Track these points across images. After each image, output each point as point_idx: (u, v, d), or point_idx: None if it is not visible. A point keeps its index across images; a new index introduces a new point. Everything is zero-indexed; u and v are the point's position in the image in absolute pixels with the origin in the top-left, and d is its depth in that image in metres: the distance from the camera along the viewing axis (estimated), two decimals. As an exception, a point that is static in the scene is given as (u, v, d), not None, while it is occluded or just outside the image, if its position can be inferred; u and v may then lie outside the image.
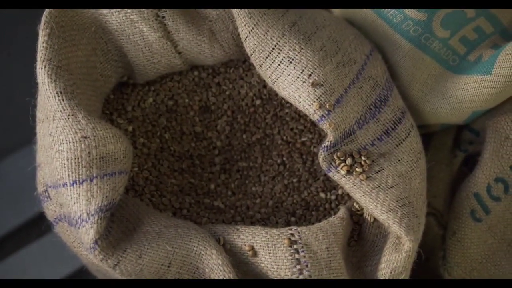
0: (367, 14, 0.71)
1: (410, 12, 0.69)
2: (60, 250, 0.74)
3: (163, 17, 0.70)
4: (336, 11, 0.74)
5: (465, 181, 0.73)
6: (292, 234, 0.65)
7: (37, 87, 0.66)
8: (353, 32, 0.70)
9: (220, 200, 0.73)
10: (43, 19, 0.65)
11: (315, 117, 0.66)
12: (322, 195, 0.72)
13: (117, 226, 0.64)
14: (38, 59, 0.64)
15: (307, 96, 0.65)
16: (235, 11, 0.66)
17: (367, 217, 0.68)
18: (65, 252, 0.71)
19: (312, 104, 0.65)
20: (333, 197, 0.72)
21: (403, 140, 0.68)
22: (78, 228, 0.61)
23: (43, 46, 0.64)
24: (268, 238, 0.65)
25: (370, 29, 0.71)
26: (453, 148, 0.77)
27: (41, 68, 0.64)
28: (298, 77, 0.65)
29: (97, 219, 0.61)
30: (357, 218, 0.69)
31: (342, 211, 0.68)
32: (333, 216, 0.68)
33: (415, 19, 0.69)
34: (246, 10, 0.66)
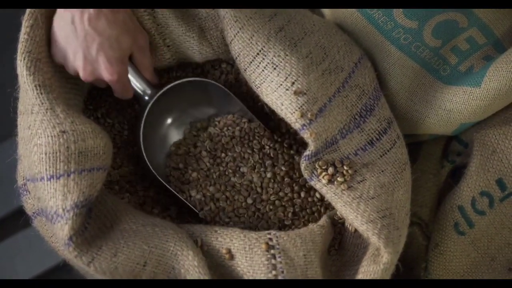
0: (357, 19, 0.69)
1: (401, 20, 0.67)
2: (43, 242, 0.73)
3: (153, 10, 0.69)
4: (327, 15, 0.73)
5: (450, 193, 0.72)
6: (271, 239, 0.64)
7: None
8: (343, 38, 0.69)
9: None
10: (27, 10, 0.64)
11: (296, 126, 0.65)
12: (309, 199, 0.71)
13: (94, 222, 0.63)
14: (18, 50, 0.63)
15: (289, 104, 0.64)
16: (221, 13, 0.65)
17: (348, 226, 0.67)
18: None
19: (294, 112, 0.64)
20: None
21: (388, 151, 0.67)
22: (54, 223, 0.61)
23: (24, 38, 0.64)
24: (246, 242, 0.64)
25: (361, 35, 0.70)
26: (441, 158, 0.76)
27: (21, 60, 0.63)
28: (281, 84, 0.64)
29: (72, 215, 0.60)
30: (338, 228, 0.68)
31: (323, 219, 0.67)
32: (313, 224, 0.67)
33: (405, 27, 0.67)
34: (232, 12, 0.65)
